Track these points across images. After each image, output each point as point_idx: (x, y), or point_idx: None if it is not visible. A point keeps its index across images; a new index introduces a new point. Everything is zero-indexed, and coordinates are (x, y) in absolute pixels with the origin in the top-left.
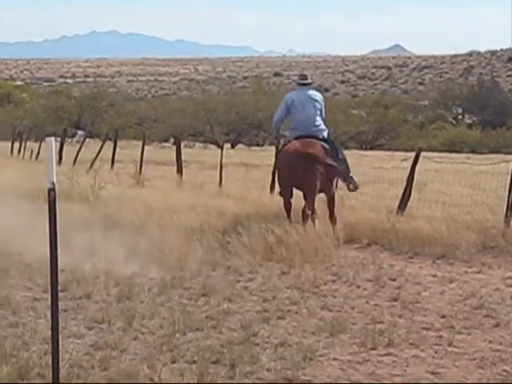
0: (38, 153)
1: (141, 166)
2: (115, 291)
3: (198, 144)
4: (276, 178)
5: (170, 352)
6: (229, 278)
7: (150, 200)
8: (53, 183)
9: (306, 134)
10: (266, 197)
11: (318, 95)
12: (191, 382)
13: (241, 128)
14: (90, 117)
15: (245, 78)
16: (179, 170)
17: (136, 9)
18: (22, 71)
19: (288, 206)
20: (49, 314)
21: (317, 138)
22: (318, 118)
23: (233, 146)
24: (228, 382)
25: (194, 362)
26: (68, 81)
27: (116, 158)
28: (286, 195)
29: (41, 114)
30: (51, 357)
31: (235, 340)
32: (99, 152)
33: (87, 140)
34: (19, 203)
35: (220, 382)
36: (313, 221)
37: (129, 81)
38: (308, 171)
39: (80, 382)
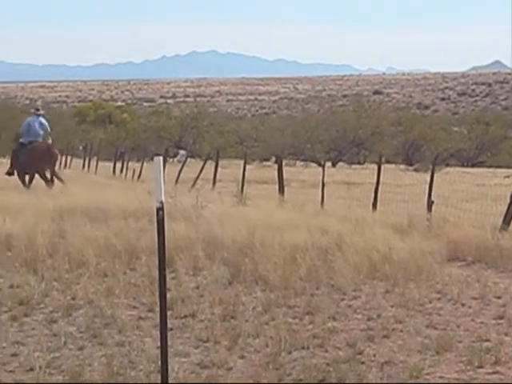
0: (140, 173)
1: (242, 184)
2: (220, 310)
3: (298, 163)
4: (17, 163)
5: (276, 370)
6: (333, 296)
7: (252, 219)
8: (161, 202)
9: (34, 139)
10: (368, 215)
11: (44, 121)
12: None
13: (341, 146)
14: (191, 136)
15: (344, 96)
16: (281, 189)
17: (236, 28)
18: (122, 92)
19: (25, 180)
20: (154, 332)
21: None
22: (42, 133)
23: (334, 165)
24: None
25: (301, 380)
26: (168, 101)
27: (217, 177)
28: (41, 174)
29: (142, 134)
30: (160, 376)
31: (341, 358)
32: (201, 171)
33: (188, 159)
34: (123, 223)
35: None
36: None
37: (228, 100)
38: (55, 157)
39: None
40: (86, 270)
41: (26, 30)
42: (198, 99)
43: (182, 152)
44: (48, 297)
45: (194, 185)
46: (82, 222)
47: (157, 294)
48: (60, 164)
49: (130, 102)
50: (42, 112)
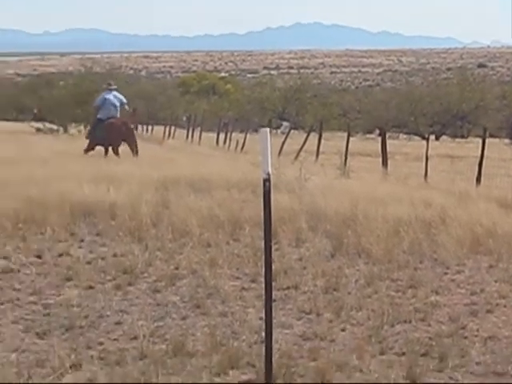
0: (244, 144)
1: (346, 157)
2: (323, 282)
3: (401, 135)
4: (97, 137)
5: (379, 344)
6: (436, 270)
7: (355, 191)
8: (268, 173)
9: (112, 115)
10: (472, 188)
11: (118, 94)
12: (400, 373)
13: (445, 119)
14: (294, 108)
15: (448, 69)
16: (384, 162)
17: (340, 0)
18: (226, 63)
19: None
20: (257, 303)
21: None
22: (117, 104)
23: (437, 138)
24: (437, 374)
25: (403, 354)
26: (272, 72)
27: (321, 149)
28: (116, 146)
29: (245, 105)
30: (264, 347)
31: (443, 333)
32: (304, 143)
33: (291, 131)
34: (226, 193)
35: (429, 374)
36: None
37: (332, 72)
38: (132, 132)
39: (290, 372)
40: (190, 240)
41: (129, 0)
42: (301, 71)
43: (285, 124)
44: (152, 266)
45: (297, 157)
46: (186, 192)
47: (260, 264)
48: (164, 134)
49: (233, 73)
50: (114, 87)
